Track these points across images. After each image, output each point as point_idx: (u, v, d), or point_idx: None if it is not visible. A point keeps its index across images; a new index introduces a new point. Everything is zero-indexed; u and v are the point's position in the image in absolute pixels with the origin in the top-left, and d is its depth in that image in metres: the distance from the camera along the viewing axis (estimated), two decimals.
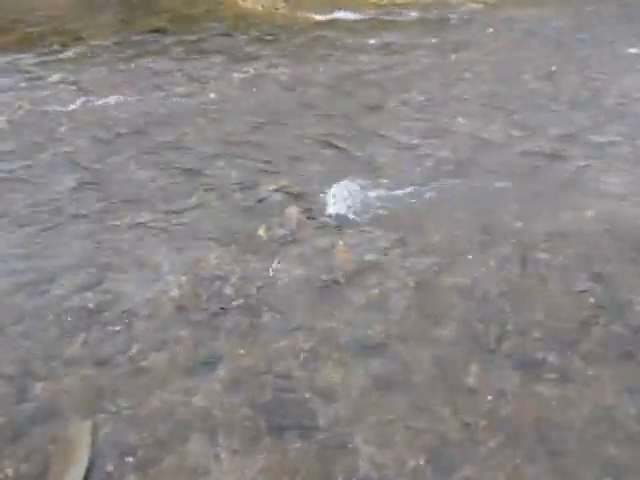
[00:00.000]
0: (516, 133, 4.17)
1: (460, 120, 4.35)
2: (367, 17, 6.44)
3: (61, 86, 4.96)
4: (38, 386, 2.41)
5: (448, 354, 2.55)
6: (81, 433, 2.22)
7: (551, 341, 2.59)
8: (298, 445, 2.22)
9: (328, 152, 4.03)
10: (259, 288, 2.89)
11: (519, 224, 3.28)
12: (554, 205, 3.43)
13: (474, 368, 2.48)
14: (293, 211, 3.43)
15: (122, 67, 5.32)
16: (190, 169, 3.84)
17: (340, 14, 6.47)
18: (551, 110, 4.46)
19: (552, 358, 2.51)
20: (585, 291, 2.83)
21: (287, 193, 3.59)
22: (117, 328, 2.67)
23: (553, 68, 5.12)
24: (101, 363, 2.51)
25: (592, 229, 3.23)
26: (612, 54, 5.35)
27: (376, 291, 2.87)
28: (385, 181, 3.65)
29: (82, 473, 2.11)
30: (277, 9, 6.66)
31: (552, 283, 2.89)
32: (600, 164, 3.81)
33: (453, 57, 5.40)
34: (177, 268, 3.01)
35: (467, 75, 5.05)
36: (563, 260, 3.03)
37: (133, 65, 5.34)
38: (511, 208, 3.42)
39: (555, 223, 3.28)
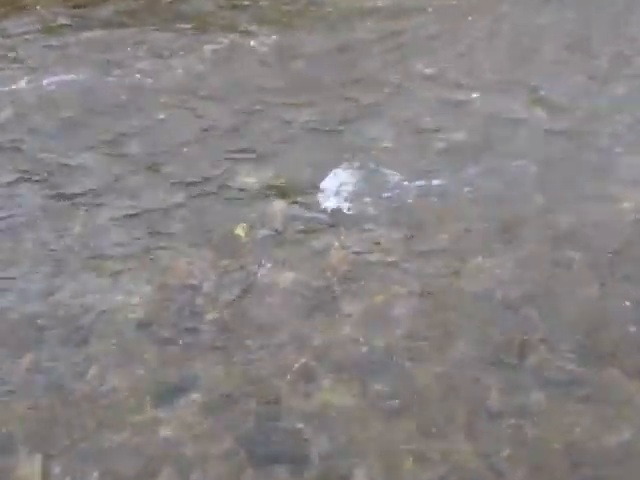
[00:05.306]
0: (540, 111, 4.21)
1: (475, 96, 4.39)
2: None
3: (2, 64, 4.97)
4: None
5: (463, 371, 2.59)
6: (31, 469, 2.25)
7: (583, 353, 2.64)
8: None
9: (319, 137, 4.05)
10: (239, 298, 2.92)
11: (545, 217, 3.33)
12: (585, 195, 3.48)
13: (494, 387, 2.52)
14: (278, 206, 3.47)
15: (74, 40, 5.33)
16: (155, 159, 3.87)
17: None
18: (579, 84, 4.50)
19: (584, 373, 2.56)
20: (621, 294, 2.88)
21: (271, 185, 3.62)
22: (71, 347, 2.70)
23: (580, 35, 5.16)
24: (53, 388, 2.54)
25: (628, 222, 3.28)
26: None
27: (378, 299, 2.91)
28: (388, 170, 3.69)
29: None
30: None
31: (583, 285, 2.94)
32: (636, 146, 3.86)
33: (465, 23, 5.45)
34: (140, 275, 3.04)
35: (482, 44, 5.09)
36: (595, 259, 3.07)
37: (88, 37, 5.34)
38: (535, 199, 3.46)
39: (586, 216, 3.33)
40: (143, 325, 2.80)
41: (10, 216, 3.43)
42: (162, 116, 4.29)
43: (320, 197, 3.51)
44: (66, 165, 3.83)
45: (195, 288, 2.97)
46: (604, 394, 2.49)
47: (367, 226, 3.31)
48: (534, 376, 2.56)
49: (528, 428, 2.38)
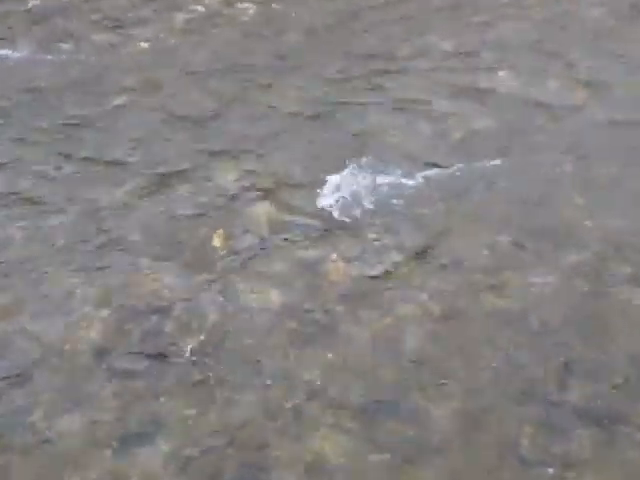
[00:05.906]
0: (581, 92, 4.23)
1: (501, 75, 4.41)
2: None
3: None
4: None
5: (490, 409, 2.58)
6: None
7: (635, 386, 2.64)
8: None
9: (313, 125, 4.07)
10: (215, 323, 2.92)
11: (587, 223, 3.34)
12: (635, 196, 3.49)
13: (527, 428, 2.51)
14: (263, 210, 3.47)
15: (14, 7, 5.35)
16: (113, 152, 3.87)
17: None
18: (627, 59, 4.52)
19: (636, 410, 2.55)
20: None
21: (254, 184, 3.63)
22: (12, 384, 2.68)
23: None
24: None
25: None
26: None
27: (385, 322, 2.91)
28: (395, 165, 3.70)
29: None
30: None
31: (635, 305, 2.94)
32: None
33: None
34: (96, 295, 3.03)
35: (509, 11, 5.13)
36: None
37: (33, 5, 5.37)
38: (575, 201, 3.47)
39: (637, 222, 3.34)
40: (99, 356, 2.79)
41: None
42: (122, 100, 4.30)
43: (314, 199, 3.52)
44: (3, 158, 3.84)
45: (163, 310, 2.97)
46: None
47: (371, 234, 3.32)
48: (575, 414, 2.56)
49: (568, 478, 2.38)
